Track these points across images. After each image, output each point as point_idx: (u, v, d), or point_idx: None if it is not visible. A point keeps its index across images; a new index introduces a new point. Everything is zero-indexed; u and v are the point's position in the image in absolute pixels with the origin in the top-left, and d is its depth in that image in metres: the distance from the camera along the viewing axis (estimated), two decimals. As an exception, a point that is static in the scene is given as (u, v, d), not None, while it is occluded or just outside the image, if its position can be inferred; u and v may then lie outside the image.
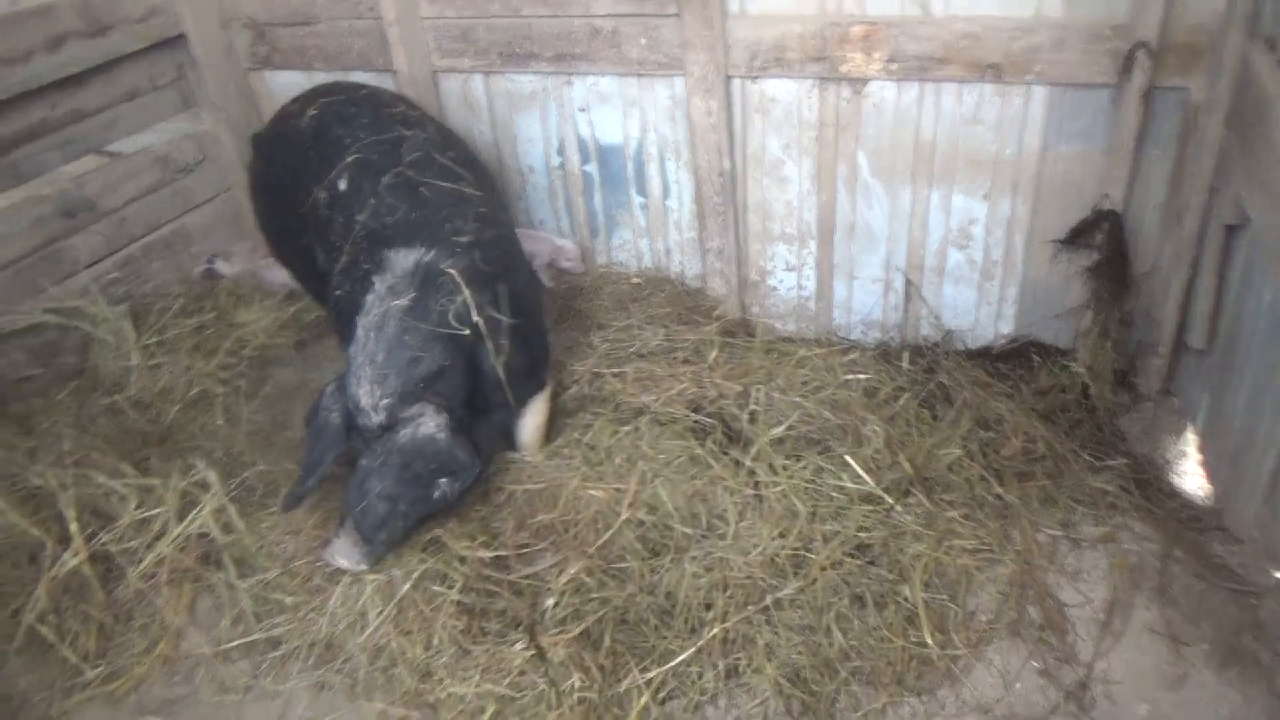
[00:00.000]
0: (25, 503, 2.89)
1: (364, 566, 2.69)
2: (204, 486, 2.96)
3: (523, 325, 2.93)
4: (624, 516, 2.84)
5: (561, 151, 4.06)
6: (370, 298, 2.78)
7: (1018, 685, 2.43)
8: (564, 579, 2.71)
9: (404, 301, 2.73)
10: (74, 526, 2.78)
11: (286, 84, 4.33)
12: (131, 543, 2.86)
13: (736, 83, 3.53)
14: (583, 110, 3.90)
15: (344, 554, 2.68)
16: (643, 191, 4.01)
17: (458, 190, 3.04)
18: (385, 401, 2.63)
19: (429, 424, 2.62)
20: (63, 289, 3.79)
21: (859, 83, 3.37)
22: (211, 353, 3.75)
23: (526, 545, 2.88)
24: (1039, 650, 2.50)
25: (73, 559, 2.76)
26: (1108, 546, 2.75)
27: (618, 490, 2.94)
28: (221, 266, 4.30)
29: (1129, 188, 3.19)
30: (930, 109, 3.34)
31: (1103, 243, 3.33)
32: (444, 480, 2.64)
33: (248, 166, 3.81)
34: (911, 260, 3.65)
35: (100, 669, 2.68)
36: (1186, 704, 2.33)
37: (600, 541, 2.80)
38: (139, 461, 3.15)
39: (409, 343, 2.68)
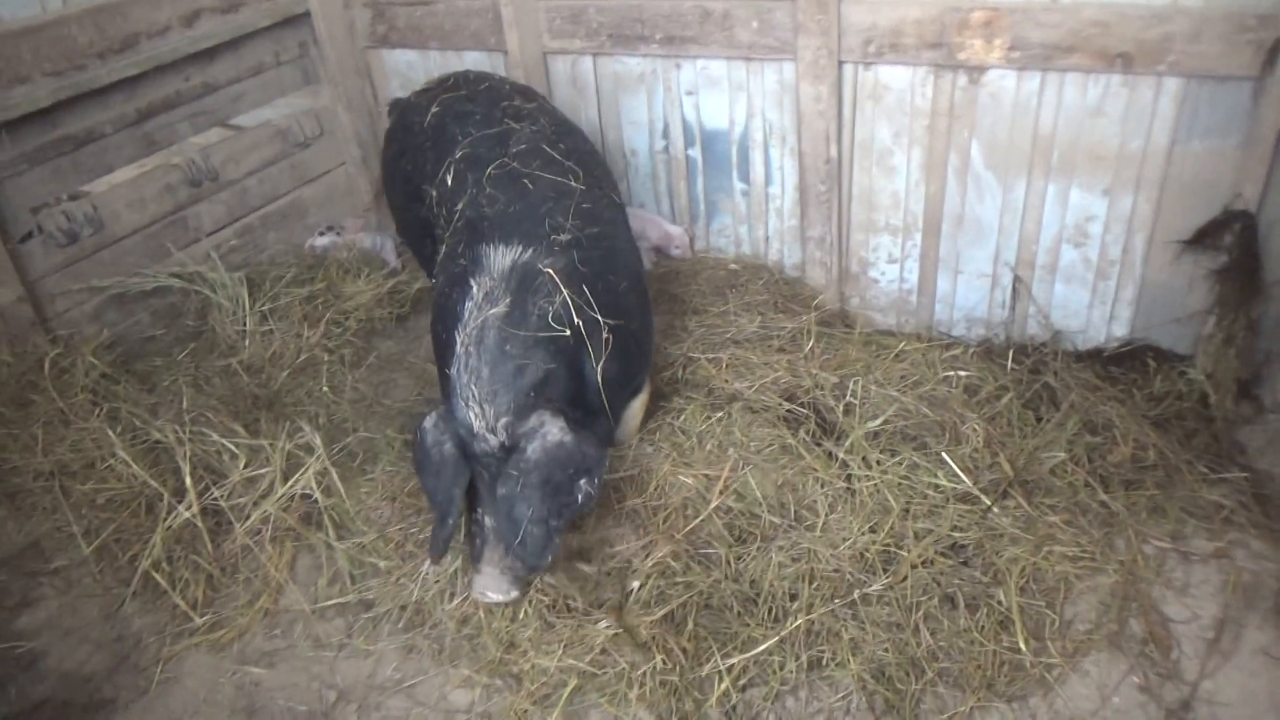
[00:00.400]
0: (145, 455, 3.05)
1: (516, 594, 2.57)
2: (309, 449, 3.09)
3: (621, 329, 2.80)
4: (714, 504, 2.83)
5: (666, 135, 4.05)
6: (468, 305, 2.67)
7: (1115, 700, 2.34)
8: (650, 562, 2.72)
9: (501, 308, 2.62)
10: (189, 480, 2.93)
11: (402, 62, 4.44)
12: (240, 499, 3.00)
13: (848, 68, 3.46)
14: (690, 93, 3.89)
15: (494, 588, 2.54)
16: (745, 177, 3.98)
17: (562, 183, 2.94)
18: (503, 421, 2.53)
19: (553, 430, 2.52)
20: (186, 255, 3.98)
21: (977, 71, 3.26)
22: (319, 322, 3.88)
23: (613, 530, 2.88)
24: (1140, 665, 2.40)
25: (186, 511, 2.91)
26: (1220, 562, 2.61)
27: (707, 477, 2.93)
28: (331, 240, 4.45)
29: (1265, 187, 3.00)
30: (1051, 100, 3.21)
31: (1232, 244, 3.15)
32: (583, 481, 2.54)
33: (381, 154, 3.88)
34: (1022, 256, 3.52)
35: (207, 618, 2.82)
36: (1301, 734, 2.20)
37: (688, 528, 2.80)
38: (249, 422, 3.30)
39: (511, 352, 2.58)
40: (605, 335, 2.73)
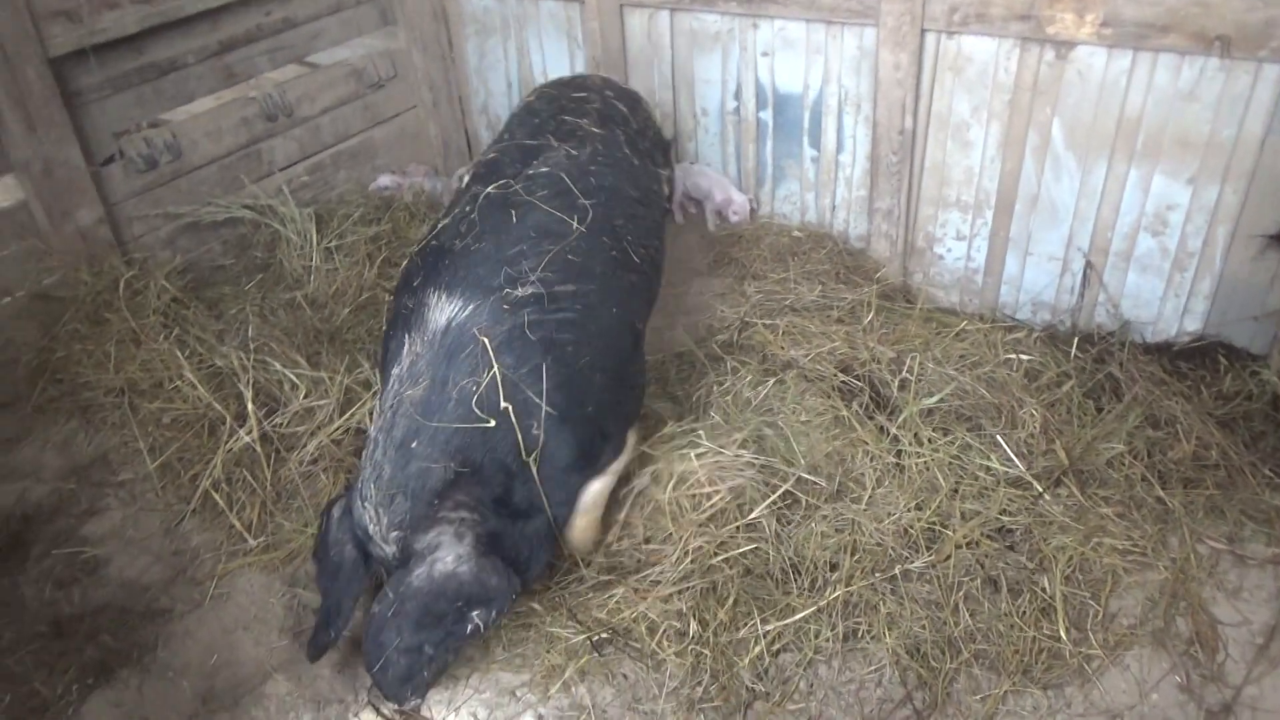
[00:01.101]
0: (210, 379, 3.15)
1: (415, 702, 2.29)
2: (366, 385, 3.15)
3: (569, 413, 2.37)
4: (762, 507, 2.69)
5: (738, 96, 4.00)
6: (394, 371, 2.37)
7: (1154, 696, 2.31)
8: (680, 536, 2.69)
9: (418, 390, 2.27)
10: (250, 406, 3.02)
11: (479, 8, 4.44)
12: (297, 428, 3.08)
13: (931, 37, 3.37)
14: (765, 55, 3.83)
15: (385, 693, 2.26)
16: (815, 144, 3.92)
17: (556, 222, 2.55)
18: (394, 535, 2.23)
19: (446, 558, 2.20)
20: (259, 188, 4.06)
21: (1065, 46, 3.16)
22: (383, 262, 3.94)
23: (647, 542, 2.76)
24: (1183, 664, 2.36)
25: (246, 436, 2.99)
26: (1277, 569, 2.54)
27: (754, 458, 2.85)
28: (394, 182, 4.49)
29: (1361, 185, 2.88)
30: (1141, 81, 3.09)
31: (1320, 244, 3.04)
32: (477, 613, 2.22)
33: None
34: (1095, 242, 3.43)
35: (261, 540, 2.91)
36: (1345, 747, 2.16)
37: (726, 531, 2.68)
38: (310, 355, 3.38)
39: (418, 451, 2.23)
40: (543, 417, 2.31)
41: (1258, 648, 2.37)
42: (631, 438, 2.69)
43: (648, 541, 2.77)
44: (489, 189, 2.65)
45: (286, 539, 2.91)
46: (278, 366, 3.18)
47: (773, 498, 2.72)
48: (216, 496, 2.93)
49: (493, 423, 2.23)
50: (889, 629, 2.49)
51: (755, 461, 2.80)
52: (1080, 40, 3.10)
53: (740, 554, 2.64)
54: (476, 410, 2.23)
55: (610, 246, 2.65)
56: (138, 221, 3.72)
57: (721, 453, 2.82)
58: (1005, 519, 2.66)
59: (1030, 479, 2.73)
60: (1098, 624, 2.45)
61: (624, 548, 2.77)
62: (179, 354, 3.18)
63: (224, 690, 2.53)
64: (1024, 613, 2.45)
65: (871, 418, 2.99)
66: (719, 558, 2.63)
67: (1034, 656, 2.38)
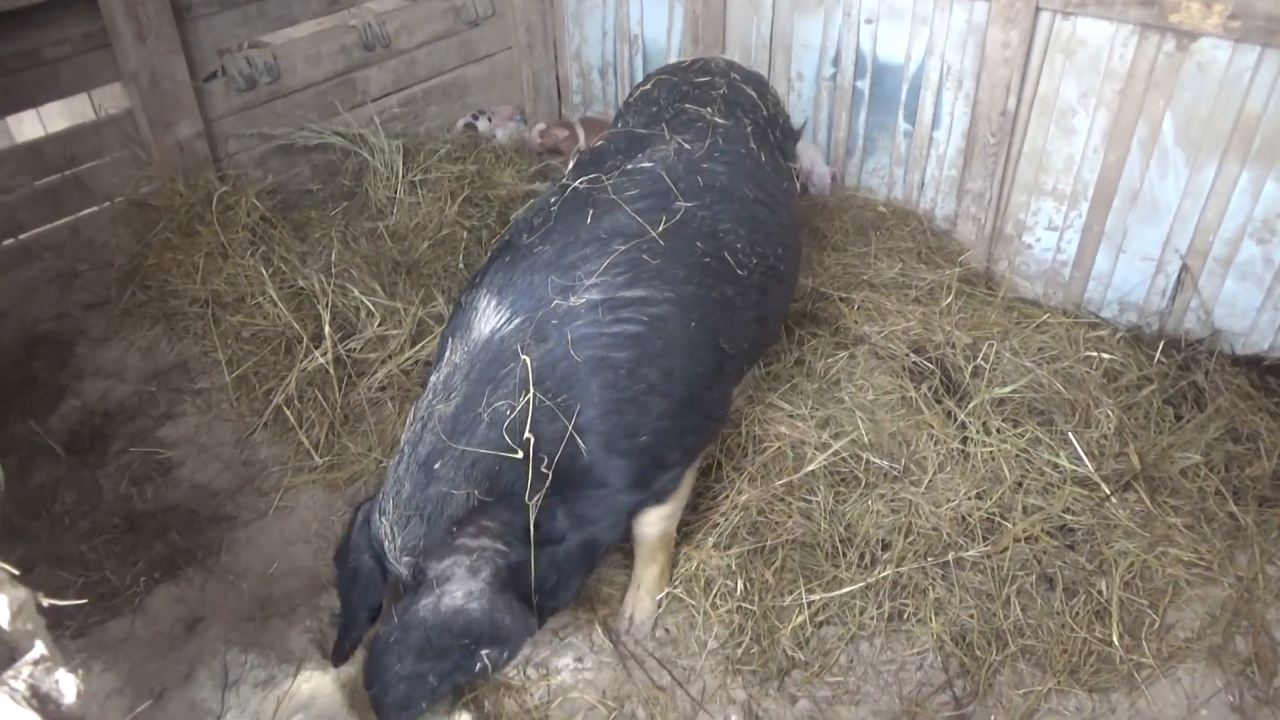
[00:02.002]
0: (291, 299, 3.23)
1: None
2: (439, 319, 3.20)
3: (615, 443, 2.12)
4: (822, 458, 2.74)
5: (836, 63, 3.91)
6: (432, 379, 2.17)
7: (1204, 713, 2.26)
8: (740, 499, 2.70)
9: (450, 406, 2.08)
10: (327, 329, 3.09)
11: (580, -48, 4.40)
12: (369, 355, 3.15)
13: (1045, 16, 3.25)
14: (869, 22, 3.73)
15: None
16: (911, 118, 3.82)
17: (633, 224, 2.25)
18: (405, 559, 2.08)
19: (456, 593, 2.02)
20: (351, 116, 4.12)
21: (1187, 36, 3.01)
22: (464, 201, 3.97)
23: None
24: (1237, 684, 2.30)
25: (321, 357, 3.07)
26: (1351, 599, 2.46)
27: (817, 427, 2.87)
28: (482, 124, 4.51)
29: None
30: (1266, 79, 2.94)
31: None
32: (488, 651, 2.05)
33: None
34: (1195, 245, 3.29)
35: (326, 459, 3.00)
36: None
37: (786, 479, 2.72)
38: (387, 285, 3.44)
39: (441, 473, 2.04)
40: (577, 455, 2.07)
41: (1320, 676, 2.30)
42: (690, 477, 2.41)
43: (701, 494, 2.79)
44: (576, 183, 2.41)
45: (350, 461, 2.99)
46: (356, 293, 3.25)
47: (835, 446, 2.72)
48: (288, 413, 3.02)
49: (520, 454, 2.01)
50: (936, 614, 2.47)
51: (815, 420, 2.80)
52: (1205, 31, 2.96)
53: (790, 518, 2.64)
54: (507, 438, 2.02)
55: (704, 253, 2.32)
56: (233, 139, 3.80)
57: (782, 407, 2.83)
58: (1068, 518, 2.61)
59: (1098, 480, 2.67)
60: (1153, 633, 2.40)
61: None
62: (263, 271, 3.27)
63: (281, 598, 2.63)
64: (1077, 613, 2.41)
65: (940, 402, 2.94)
66: (769, 515, 2.64)
67: (1083, 658, 2.34)
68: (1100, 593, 2.44)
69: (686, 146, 2.53)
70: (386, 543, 2.09)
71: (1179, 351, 3.24)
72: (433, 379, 2.17)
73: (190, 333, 3.36)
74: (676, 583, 2.61)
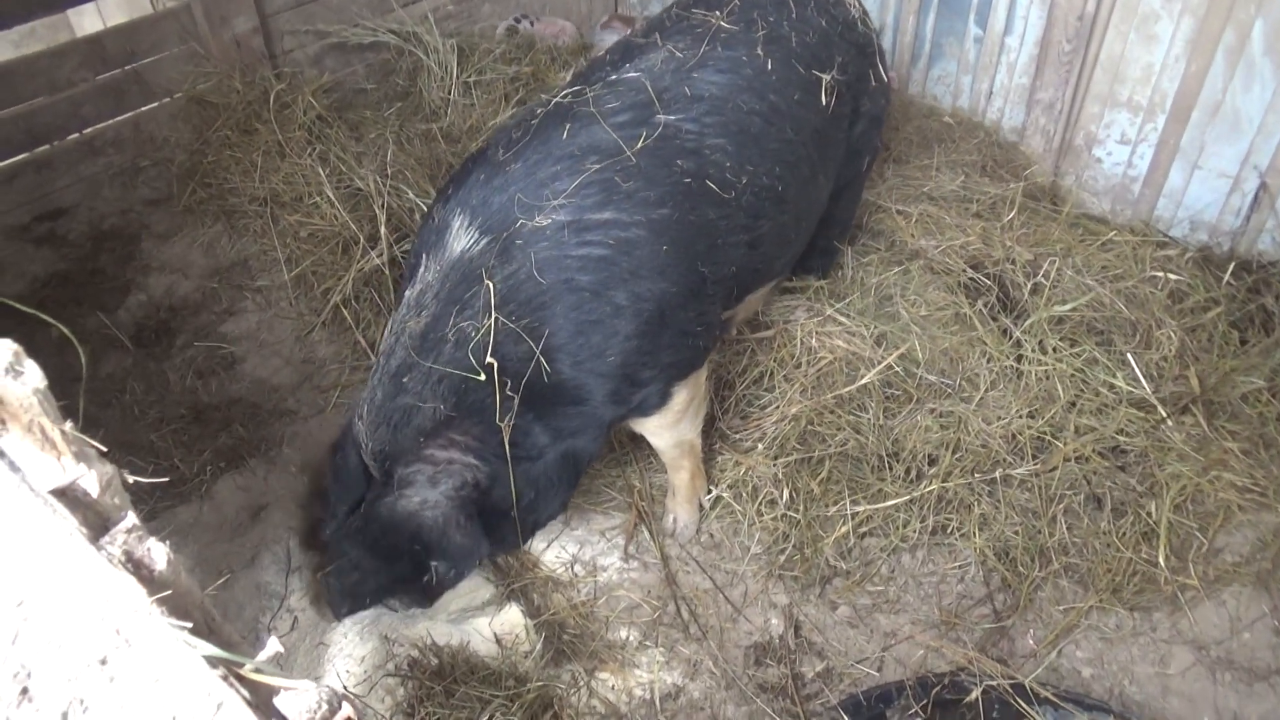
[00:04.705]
0: (348, 199, 3.25)
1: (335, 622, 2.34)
2: (493, 223, 3.20)
3: (583, 362, 2.10)
4: (874, 372, 2.72)
5: (906, -38, 3.74)
6: (407, 294, 2.18)
7: (1246, 635, 2.27)
8: (791, 410, 2.71)
9: (420, 323, 2.09)
10: (383, 230, 3.11)
11: None
12: (424, 257, 3.17)
13: (1133, -88, 3.06)
14: (943, -82, 3.55)
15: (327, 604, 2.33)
16: (981, 22, 3.66)
17: (610, 142, 2.14)
18: (374, 462, 2.15)
19: (413, 498, 2.10)
20: (406, 13, 4.06)
21: (1287, -64, 2.82)
22: (518, 103, 3.92)
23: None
24: (1284, 609, 2.30)
25: (378, 258, 3.10)
26: None
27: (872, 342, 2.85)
28: (525, 27, 4.41)
29: None
30: (1370, -17, 2.76)
31: None
32: (438, 564, 2.16)
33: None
34: (1276, 162, 3.15)
35: (382, 358, 3.06)
36: None
37: (838, 392, 2.72)
38: (442, 187, 3.43)
39: (409, 387, 2.07)
40: (514, 383, 2.05)
41: (1369, 605, 2.28)
42: (682, 393, 2.34)
43: (752, 403, 2.81)
44: (558, 95, 2.31)
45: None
46: (410, 195, 3.25)
47: (888, 360, 2.70)
48: (345, 312, 3.07)
49: (484, 377, 2.01)
50: (980, 529, 2.48)
51: (870, 335, 2.78)
52: (1308, -70, 2.77)
53: (840, 431, 2.65)
54: (472, 359, 2.02)
55: (684, 172, 2.19)
56: (289, 36, 3.78)
57: (838, 320, 2.81)
58: (1121, 439, 2.58)
59: (1155, 402, 2.63)
60: (1200, 556, 2.39)
61: (727, 404, 2.81)
62: (320, 171, 3.29)
63: (339, 490, 2.72)
64: (1124, 534, 2.41)
65: (995, 319, 2.89)
66: (818, 427, 2.65)
67: (1126, 578, 2.35)
68: (1149, 514, 2.43)
69: (678, 54, 2.36)
70: (362, 444, 2.16)
71: (1250, 274, 3.14)
72: (407, 293, 2.17)
73: (250, 231, 3.41)
74: (724, 487, 2.66)
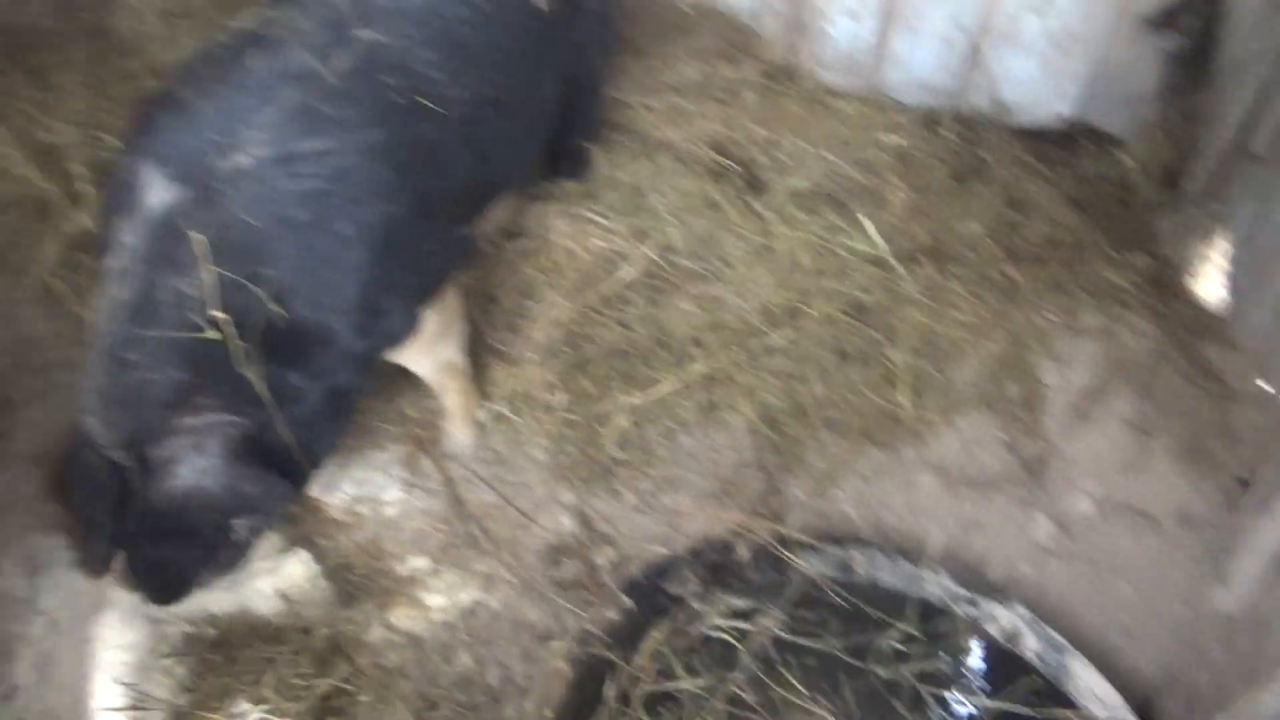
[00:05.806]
0: (36, 157, 2.89)
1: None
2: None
3: (319, 299, 1.97)
4: (626, 275, 2.77)
5: None
6: (108, 264, 1.95)
7: (976, 450, 2.50)
8: (557, 314, 2.71)
9: (129, 291, 1.88)
10: (86, 186, 2.80)
11: None
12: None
13: None
14: None
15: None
16: (703, -96, 3.66)
17: (307, 68, 1.98)
18: (123, 453, 1.93)
19: (186, 474, 1.93)
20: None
21: None
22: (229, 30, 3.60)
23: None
24: (1008, 424, 2.55)
25: (89, 220, 2.80)
26: (1105, 339, 2.72)
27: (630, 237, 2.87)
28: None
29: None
30: None
31: (1193, 26, 3.05)
32: (241, 521, 2.03)
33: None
34: (981, 20, 3.35)
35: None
36: (1135, 487, 2.40)
37: (601, 290, 2.75)
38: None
39: (136, 361, 1.87)
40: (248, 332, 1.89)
41: (1075, 408, 2.56)
42: (433, 316, 2.27)
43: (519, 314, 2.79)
44: (248, 23, 2.12)
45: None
46: (114, 142, 2.93)
47: (646, 252, 2.75)
48: (55, 283, 2.76)
49: (214, 335, 1.85)
50: (746, 399, 2.59)
51: (626, 230, 2.81)
52: None
53: (607, 328, 2.68)
54: (194, 318, 1.85)
55: (393, 89, 2.07)
56: (-61, -25, 3.28)
57: (593, 220, 2.82)
58: (862, 296, 2.74)
59: (889, 258, 2.80)
60: (937, 391, 2.60)
61: (493, 317, 2.78)
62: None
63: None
64: (870, 382, 2.58)
65: (743, 199, 2.98)
66: (586, 328, 2.67)
67: (876, 421, 2.53)
68: (889, 360, 2.61)
69: None
70: (99, 439, 1.94)
71: (969, 129, 3.37)
72: (108, 264, 1.96)
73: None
74: (501, 401, 2.63)
